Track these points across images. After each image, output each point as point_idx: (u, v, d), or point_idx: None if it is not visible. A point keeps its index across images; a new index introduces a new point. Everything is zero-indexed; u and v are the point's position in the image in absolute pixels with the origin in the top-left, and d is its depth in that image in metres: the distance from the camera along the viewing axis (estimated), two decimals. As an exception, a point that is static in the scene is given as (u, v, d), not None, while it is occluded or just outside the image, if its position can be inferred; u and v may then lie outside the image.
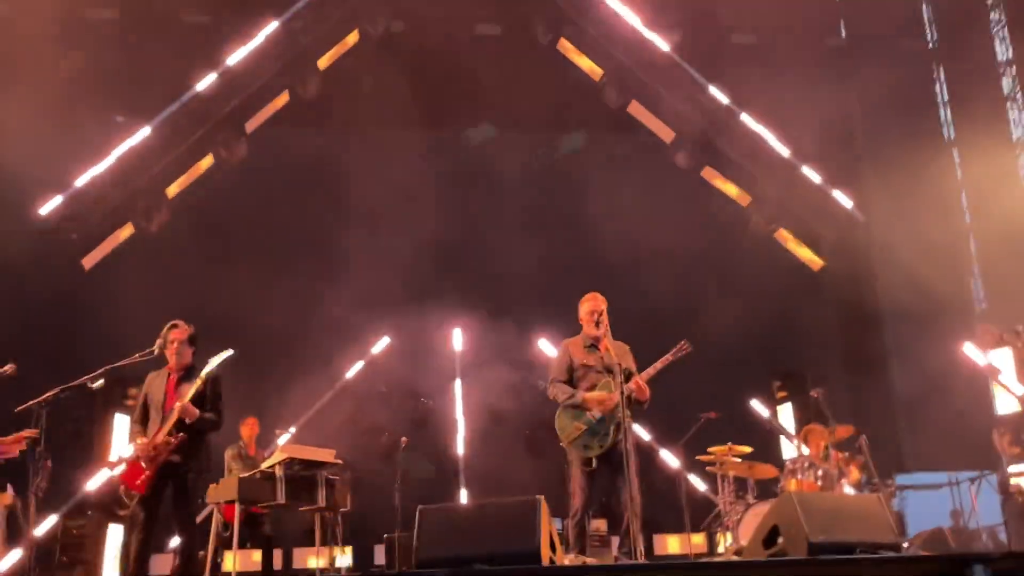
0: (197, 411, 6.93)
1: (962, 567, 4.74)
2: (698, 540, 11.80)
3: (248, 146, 12.82)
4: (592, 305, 7.24)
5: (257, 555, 9.65)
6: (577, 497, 6.95)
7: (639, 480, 6.81)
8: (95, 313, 11.41)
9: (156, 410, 7.03)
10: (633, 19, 13.24)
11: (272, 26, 12.71)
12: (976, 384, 12.37)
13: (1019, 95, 14.39)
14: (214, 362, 7.10)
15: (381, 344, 13.44)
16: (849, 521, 5.76)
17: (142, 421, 7.13)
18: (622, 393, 6.60)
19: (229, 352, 7.19)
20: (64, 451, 10.02)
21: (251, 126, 12.90)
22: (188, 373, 7.17)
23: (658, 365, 6.97)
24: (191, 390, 6.91)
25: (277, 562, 11.37)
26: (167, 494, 6.91)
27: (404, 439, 11.16)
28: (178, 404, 6.87)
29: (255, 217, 12.47)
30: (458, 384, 13.57)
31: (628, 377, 6.71)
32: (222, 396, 7.23)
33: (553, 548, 5.73)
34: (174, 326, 7.20)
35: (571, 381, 7.17)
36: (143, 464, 6.85)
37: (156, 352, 7.13)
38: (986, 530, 11.62)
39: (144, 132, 12.27)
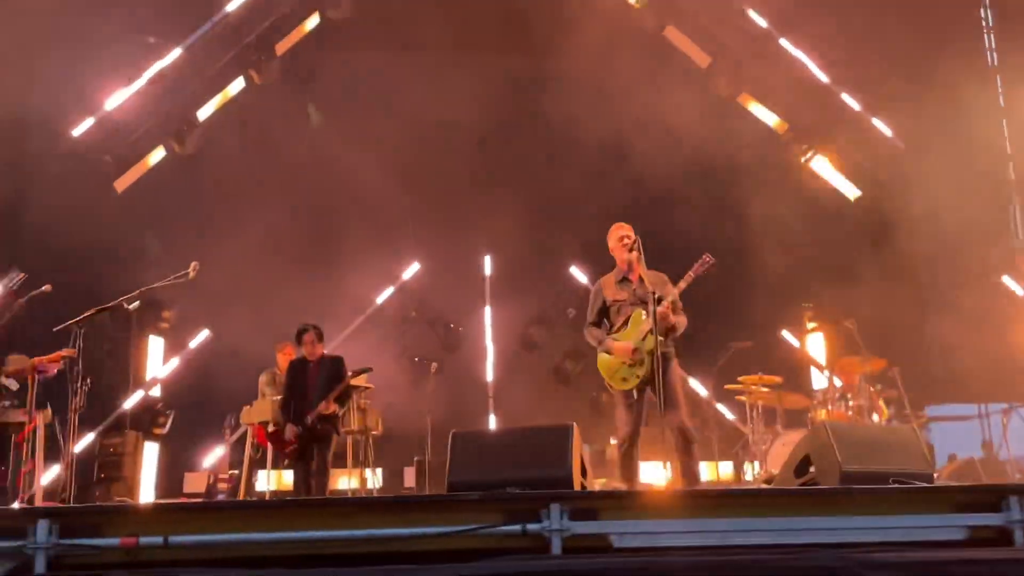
0: (337, 407, 8.57)
1: (998, 498, 4.68)
2: (726, 468, 11.85)
3: (279, 69, 12.69)
4: (620, 232, 7.18)
5: (289, 475, 9.78)
6: (620, 429, 6.98)
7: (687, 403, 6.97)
8: (128, 236, 11.46)
9: (300, 395, 8.59)
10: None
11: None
12: (1012, 315, 12.21)
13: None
14: (354, 374, 8.71)
15: (411, 270, 13.43)
16: (883, 451, 5.72)
17: (287, 405, 8.63)
18: (654, 318, 6.61)
19: (369, 370, 8.92)
20: (101, 370, 10.19)
21: (281, 48, 12.75)
22: (322, 361, 8.71)
23: (682, 284, 6.91)
24: (335, 392, 8.46)
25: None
26: (313, 449, 8.48)
27: (434, 364, 11.25)
28: (322, 405, 8.36)
29: (286, 141, 12.38)
30: (488, 310, 13.57)
31: (659, 303, 6.71)
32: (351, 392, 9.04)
33: (584, 474, 5.75)
34: (304, 331, 8.71)
35: (607, 318, 7.19)
36: (289, 437, 8.45)
37: (191, 275, 7.24)
38: (1017, 461, 11.59)
39: (175, 54, 12.17)
